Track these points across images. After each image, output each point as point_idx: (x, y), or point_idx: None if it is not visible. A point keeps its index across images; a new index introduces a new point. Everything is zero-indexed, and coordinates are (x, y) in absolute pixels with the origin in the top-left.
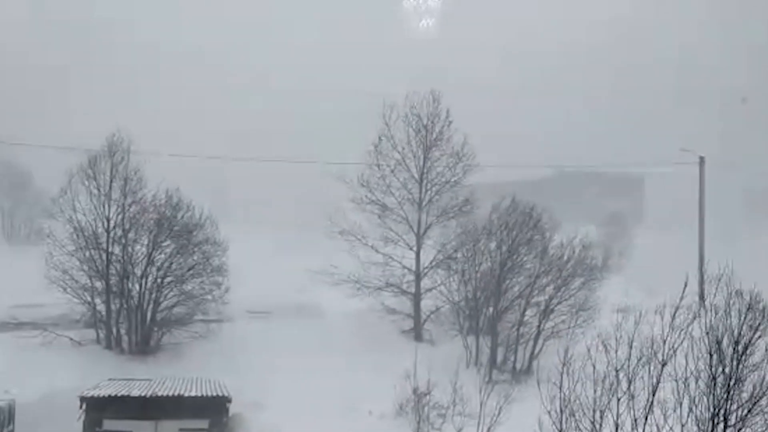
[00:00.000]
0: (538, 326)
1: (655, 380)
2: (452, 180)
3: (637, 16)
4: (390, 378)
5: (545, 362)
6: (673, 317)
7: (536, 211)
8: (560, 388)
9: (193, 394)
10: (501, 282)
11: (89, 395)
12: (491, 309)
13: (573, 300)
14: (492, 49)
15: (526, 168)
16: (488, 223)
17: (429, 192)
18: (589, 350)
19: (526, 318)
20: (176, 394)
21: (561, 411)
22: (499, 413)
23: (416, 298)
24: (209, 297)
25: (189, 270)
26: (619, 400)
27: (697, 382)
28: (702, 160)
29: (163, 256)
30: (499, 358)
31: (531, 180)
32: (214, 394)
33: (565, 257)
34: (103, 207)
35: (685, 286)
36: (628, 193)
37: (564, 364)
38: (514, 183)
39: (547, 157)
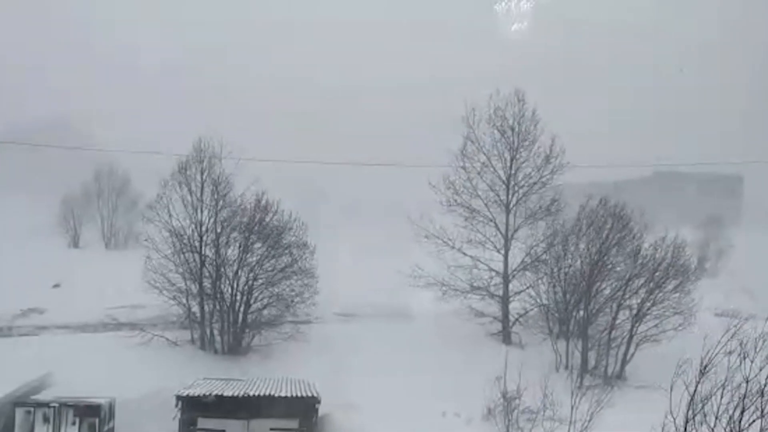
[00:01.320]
0: (631, 330)
1: None
2: (540, 181)
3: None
4: (478, 381)
5: (638, 367)
6: None
7: (626, 211)
8: (693, 394)
9: (283, 394)
10: (591, 284)
11: (185, 394)
12: (581, 312)
13: (667, 303)
14: (580, 50)
15: (621, 168)
16: (576, 224)
17: (516, 194)
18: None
19: (618, 321)
20: (267, 393)
21: (687, 420)
22: (590, 419)
23: (504, 300)
24: (298, 299)
25: (278, 272)
26: (744, 410)
27: None
28: None
29: (253, 258)
30: (591, 362)
31: (626, 180)
32: (304, 394)
33: (658, 258)
34: (196, 211)
35: None
36: (727, 192)
37: (703, 370)
38: (608, 183)
39: (643, 157)
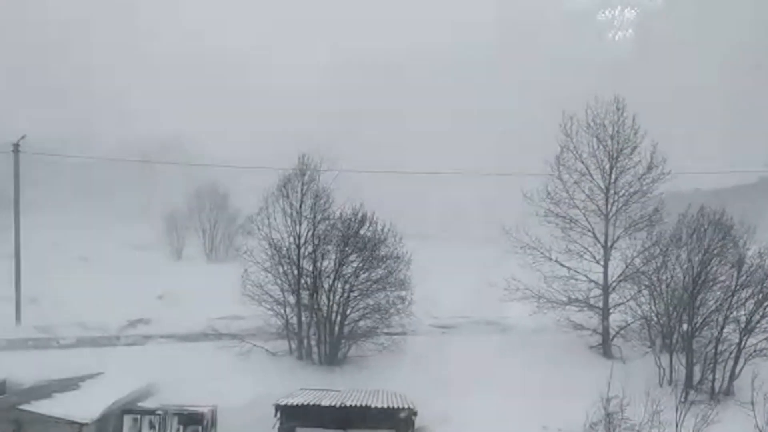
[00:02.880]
0: (739, 343)
1: None
2: (641, 190)
3: None
4: (578, 395)
5: (748, 382)
6: None
7: (727, 218)
8: None
9: (380, 405)
10: (694, 296)
11: (284, 403)
12: (685, 325)
13: None
14: (684, 57)
15: (727, 174)
16: (676, 234)
17: (616, 203)
18: None
19: (724, 334)
20: (364, 404)
21: None
22: None
23: (604, 313)
24: (393, 310)
25: (374, 284)
26: None
27: None
28: None
29: (349, 270)
30: (696, 377)
31: (732, 186)
32: (401, 406)
33: (766, 268)
34: (295, 224)
35: None
36: None
37: None
38: (713, 191)
39: (750, 162)
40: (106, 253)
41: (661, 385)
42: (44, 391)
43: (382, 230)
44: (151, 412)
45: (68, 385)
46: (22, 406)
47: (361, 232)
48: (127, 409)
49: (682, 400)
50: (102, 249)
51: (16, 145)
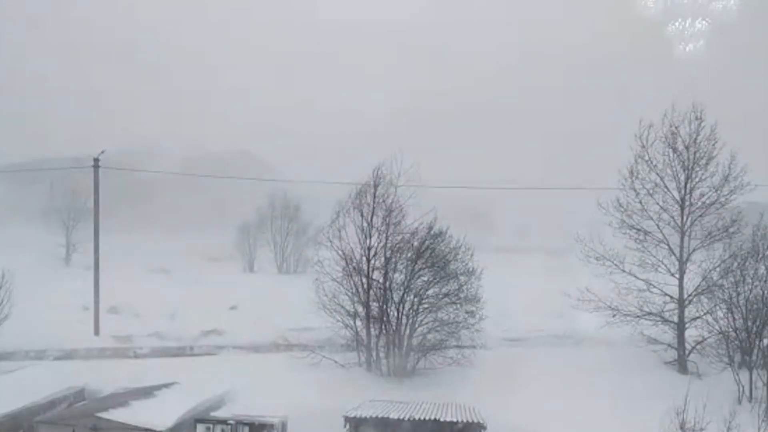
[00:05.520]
0: None
1: None
2: (718, 201)
3: None
4: (654, 412)
5: None
6: None
7: None
8: None
9: (448, 419)
10: None
11: (353, 415)
12: (766, 340)
13: None
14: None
15: None
16: (753, 246)
17: (692, 215)
18: None
19: None
20: (432, 418)
21: None
22: None
23: (680, 327)
24: (463, 324)
25: (444, 297)
26: None
27: None
28: None
29: (419, 283)
30: None
31: None
32: (469, 420)
33: None
34: (366, 236)
35: None
36: None
37: None
38: None
39: None
40: (182, 264)
41: (740, 402)
42: (121, 399)
43: (455, 245)
44: (223, 421)
45: (144, 393)
46: (100, 414)
47: (435, 246)
48: (200, 418)
49: (764, 418)
50: (178, 261)
51: (96, 160)
